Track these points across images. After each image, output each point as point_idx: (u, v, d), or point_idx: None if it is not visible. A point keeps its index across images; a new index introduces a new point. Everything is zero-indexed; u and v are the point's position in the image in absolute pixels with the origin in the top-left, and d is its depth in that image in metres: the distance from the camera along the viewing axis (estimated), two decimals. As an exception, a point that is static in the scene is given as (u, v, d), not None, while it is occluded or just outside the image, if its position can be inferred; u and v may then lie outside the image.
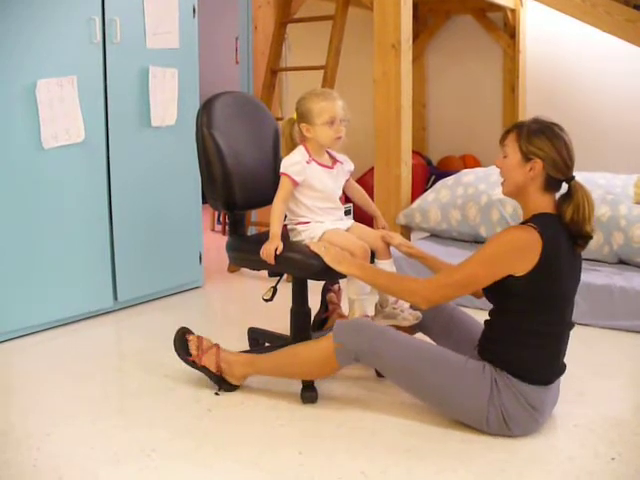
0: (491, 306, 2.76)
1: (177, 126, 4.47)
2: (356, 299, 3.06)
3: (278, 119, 4.72)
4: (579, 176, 4.68)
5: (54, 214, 3.88)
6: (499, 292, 2.65)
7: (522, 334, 2.64)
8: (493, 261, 2.61)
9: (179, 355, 3.11)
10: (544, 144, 2.60)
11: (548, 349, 2.67)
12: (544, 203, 2.66)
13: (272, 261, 3.04)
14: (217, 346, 3.10)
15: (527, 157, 2.62)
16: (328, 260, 2.95)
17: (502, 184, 2.76)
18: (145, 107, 4.28)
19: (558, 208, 2.65)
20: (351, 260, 2.96)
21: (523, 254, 2.56)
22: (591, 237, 2.66)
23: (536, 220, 2.61)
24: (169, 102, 4.40)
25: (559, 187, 2.68)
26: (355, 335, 2.80)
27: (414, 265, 4.15)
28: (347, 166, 3.27)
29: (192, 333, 3.14)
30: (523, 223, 2.65)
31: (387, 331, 2.84)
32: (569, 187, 2.65)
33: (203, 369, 3.07)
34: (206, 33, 5.94)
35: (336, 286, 3.81)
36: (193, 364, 3.08)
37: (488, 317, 2.77)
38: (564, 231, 2.62)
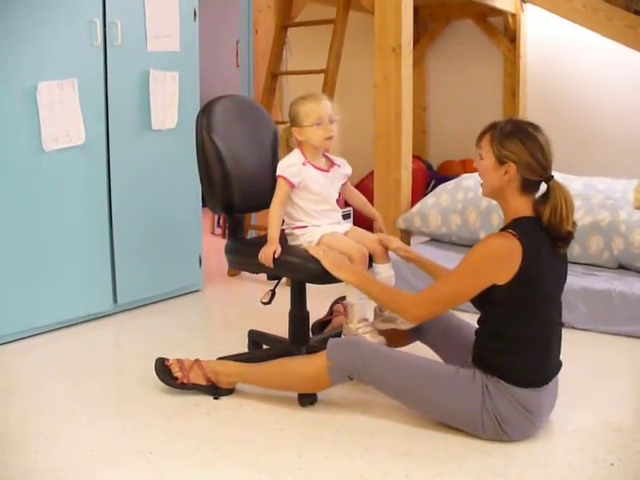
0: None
1: (178, 129, 4.47)
2: (355, 303, 3.06)
3: (278, 123, 4.71)
4: (579, 181, 4.74)
5: (54, 216, 3.89)
6: (483, 300, 2.65)
7: (509, 340, 2.64)
8: (475, 272, 2.60)
9: (166, 383, 3.08)
10: (517, 147, 2.58)
11: (537, 352, 2.65)
12: (523, 206, 2.64)
13: (271, 264, 3.04)
14: (197, 360, 3.10)
15: (501, 161, 2.61)
16: (326, 265, 2.96)
17: (481, 185, 2.76)
18: (146, 110, 4.29)
19: (536, 210, 2.63)
20: (349, 267, 2.96)
21: (504, 262, 2.55)
22: (572, 236, 2.63)
23: (515, 226, 2.60)
24: (170, 105, 4.40)
25: (537, 188, 2.66)
26: (348, 352, 2.80)
27: (413, 269, 4.14)
28: (345, 169, 3.27)
29: (168, 359, 3.13)
30: (503, 229, 2.63)
31: (379, 348, 2.86)
32: (547, 187, 2.62)
33: (194, 386, 3.06)
34: (207, 36, 5.95)
35: (346, 301, 3.82)
36: (183, 386, 3.06)
37: (477, 326, 2.77)
38: (544, 234, 2.60)
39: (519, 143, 2.59)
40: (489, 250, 2.59)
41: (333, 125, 3.11)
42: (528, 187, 2.63)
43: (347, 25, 5.25)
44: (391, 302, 2.84)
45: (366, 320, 3.08)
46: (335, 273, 2.95)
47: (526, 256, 2.52)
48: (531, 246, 2.54)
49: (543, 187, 2.66)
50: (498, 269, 2.56)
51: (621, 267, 4.24)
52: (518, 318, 2.62)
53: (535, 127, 2.64)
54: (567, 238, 2.62)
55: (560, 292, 2.74)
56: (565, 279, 2.76)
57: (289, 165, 3.10)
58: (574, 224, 2.63)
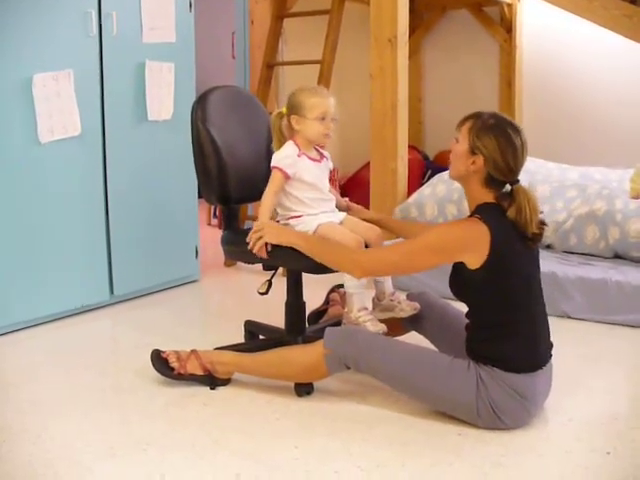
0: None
1: (173, 120, 4.47)
2: (354, 292, 3.07)
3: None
4: (575, 171, 4.75)
5: (50, 208, 3.88)
6: (463, 287, 2.70)
7: (496, 326, 2.67)
8: (437, 251, 2.65)
9: (163, 374, 3.08)
10: (490, 143, 2.62)
11: (523, 335, 2.67)
12: (485, 196, 2.69)
13: (264, 254, 3.05)
14: (194, 351, 3.10)
15: (472, 151, 2.65)
16: (269, 239, 2.98)
17: (449, 165, 2.80)
18: (141, 101, 4.28)
19: (499, 202, 2.67)
20: (290, 231, 3.00)
21: (470, 245, 2.60)
22: (539, 237, 2.67)
23: (480, 210, 2.66)
24: (165, 96, 4.40)
25: (501, 187, 2.69)
26: (345, 341, 2.81)
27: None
28: (329, 163, 3.29)
29: (164, 351, 3.13)
30: (470, 215, 2.69)
31: (375, 337, 2.87)
32: (511, 190, 2.66)
33: (191, 377, 3.06)
34: (203, 27, 5.94)
35: (342, 289, 3.83)
36: (180, 376, 3.06)
37: (466, 319, 2.80)
38: (509, 221, 2.63)
39: (494, 140, 2.62)
40: (455, 231, 2.67)
41: (332, 124, 3.12)
42: (491, 183, 2.68)
43: (343, 16, 5.24)
44: (340, 256, 2.87)
45: (366, 309, 3.08)
46: (278, 242, 2.97)
47: (494, 238, 2.56)
48: (498, 228, 2.59)
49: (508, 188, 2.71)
50: (462, 251, 2.62)
51: (617, 256, 4.25)
52: (500, 302, 2.65)
53: (515, 129, 2.67)
54: (533, 239, 2.66)
55: (537, 271, 2.78)
56: (538, 259, 2.80)
57: (284, 156, 3.10)
58: (541, 225, 2.67)
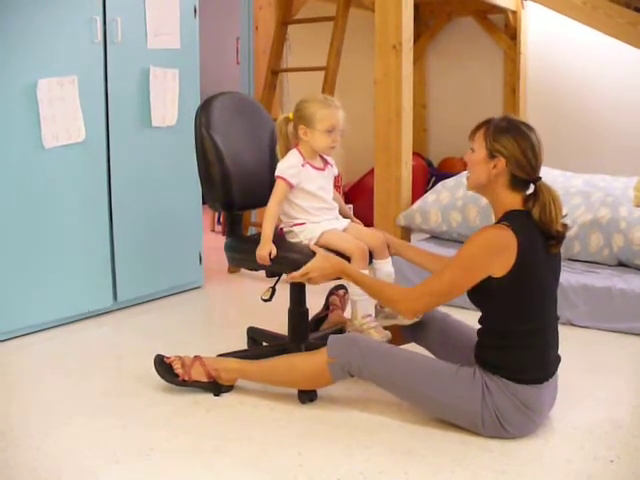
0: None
1: (178, 126, 4.47)
2: (358, 300, 3.07)
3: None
4: (580, 178, 4.75)
5: (54, 214, 3.89)
6: (482, 295, 2.67)
7: (509, 336, 2.65)
8: (471, 264, 2.62)
9: (167, 380, 3.08)
10: (509, 143, 2.61)
11: (535, 347, 2.66)
12: (513, 200, 2.67)
13: (268, 263, 3.06)
14: (198, 357, 3.10)
15: (492, 154, 2.64)
16: (318, 281, 2.97)
17: (467, 178, 2.78)
18: (146, 107, 4.28)
19: (526, 206, 2.65)
20: (336, 268, 2.94)
21: (499, 253, 2.57)
22: (563, 236, 2.65)
23: (508, 218, 2.63)
24: (170, 102, 4.40)
25: (526, 187, 2.68)
26: (348, 349, 2.81)
27: (414, 266, 4.14)
28: (334, 169, 3.29)
29: (168, 356, 3.12)
30: (497, 222, 2.66)
31: (379, 345, 2.86)
32: (535, 188, 2.65)
33: (195, 384, 3.06)
34: (207, 33, 5.95)
35: (341, 291, 3.83)
36: (184, 383, 3.06)
37: (478, 325, 2.78)
38: (536, 228, 2.62)
39: (511, 139, 2.62)
40: (484, 241, 2.61)
41: (339, 137, 3.13)
42: (516, 184, 2.66)
43: (347, 22, 5.25)
44: (384, 298, 2.86)
45: (370, 316, 3.09)
46: (328, 278, 2.97)
47: (521, 247, 2.54)
48: (525, 237, 2.57)
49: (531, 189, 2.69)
50: (493, 260, 2.58)
51: (621, 264, 4.24)
52: (516, 312, 2.63)
53: (529, 127, 2.67)
54: (558, 237, 2.64)
55: (556, 285, 2.77)
56: (559, 272, 2.78)
57: (289, 166, 3.11)
58: (564, 225, 2.66)
